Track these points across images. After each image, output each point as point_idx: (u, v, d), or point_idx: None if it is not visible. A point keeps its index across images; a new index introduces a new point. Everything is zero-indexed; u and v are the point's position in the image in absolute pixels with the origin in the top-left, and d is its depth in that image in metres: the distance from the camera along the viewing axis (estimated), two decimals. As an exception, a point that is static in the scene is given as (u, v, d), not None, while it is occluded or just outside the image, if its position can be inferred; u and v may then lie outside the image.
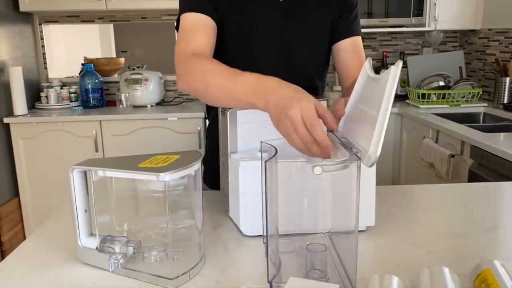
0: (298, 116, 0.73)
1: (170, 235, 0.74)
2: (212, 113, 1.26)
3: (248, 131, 0.93)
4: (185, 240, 0.78)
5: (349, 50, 1.19)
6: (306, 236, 0.78)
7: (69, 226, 0.92)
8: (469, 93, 2.79)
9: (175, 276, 0.71)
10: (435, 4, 2.88)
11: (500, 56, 2.83)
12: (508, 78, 2.65)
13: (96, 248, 0.77)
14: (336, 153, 0.76)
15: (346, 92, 1.19)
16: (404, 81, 3.14)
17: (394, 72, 0.69)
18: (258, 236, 0.88)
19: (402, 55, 3.28)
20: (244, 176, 0.86)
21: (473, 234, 0.90)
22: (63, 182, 2.75)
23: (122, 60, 3.36)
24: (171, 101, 3.21)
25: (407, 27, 3.03)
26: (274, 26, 1.14)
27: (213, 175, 1.17)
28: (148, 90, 2.96)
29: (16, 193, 2.79)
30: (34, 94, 3.04)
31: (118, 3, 2.84)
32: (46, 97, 2.96)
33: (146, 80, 2.95)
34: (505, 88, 2.66)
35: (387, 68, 0.71)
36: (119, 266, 0.76)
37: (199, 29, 1.07)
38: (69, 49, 3.63)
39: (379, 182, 0.89)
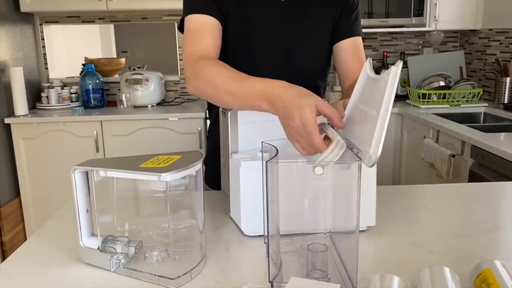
0: (299, 125, 0.75)
1: (171, 235, 0.74)
2: (213, 113, 1.26)
3: (249, 131, 0.93)
4: (186, 240, 0.79)
5: (349, 50, 1.19)
6: (307, 236, 0.79)
7: (70, 226, 0.93)
8: (470, 93, 2.79)
9: (177, 276, 0.72)
10: (436, 4, 2.88)
11: (501, 56, 2.83)
12: (508, 78, 2.65)
13: (98, 248, 0.78)
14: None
15: (346, 93, 1.19)
16: (404, 81, 3.14)
17: (394, 72, 0.69)
18: (259, 236, 0.88)
19: (402, 55, 3.28)
20: (245, 176, 0.86)
21: (474, 234, 0.90)
22: (64, 182, 2.75)
23: (123, 60, 3.37)
24: (172, 101, 3.21)
25: (408, 27, 3.03)
26: (276, 26, 1.14)
27: (214, 175, 1.17)
28: (148, 91, 2.96)
29: (17, 193, 2.80)
30: (35, 95, 3.05)
31: (118, 4, 2.84)
32: (47, 97, 2.96)
33: (147, 80, 2.95)
34: (505, 88, 2.66)
35: (387, 68, 0.71)
36: (121, 266, 0.76)
37: (205, 30, 1.07)
38: (69, 50, 3.63)
39: (380, 182, 0.89)
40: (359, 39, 1.21)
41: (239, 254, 0.83)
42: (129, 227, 0.82)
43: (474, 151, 1.98)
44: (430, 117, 2.50)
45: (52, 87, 2.99)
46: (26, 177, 2.77)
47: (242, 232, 0.90)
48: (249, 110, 0.90)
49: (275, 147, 0.71)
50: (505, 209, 1.05)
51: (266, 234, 0.82)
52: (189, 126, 2.77)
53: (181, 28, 1.14)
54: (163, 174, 0.68)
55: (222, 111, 0.97)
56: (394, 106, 2.96)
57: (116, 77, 3.31)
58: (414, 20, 2.92)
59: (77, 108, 2.92)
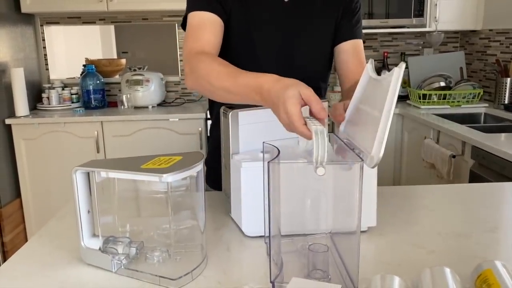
0: (284, 118, 0.77)
1: (172, 236, 0.74)
2: (215, 114, 1.27)
3: (249, 132, 0.93)
4: (187, 240, 0.79)
5: (350, 52, 1.20)
6: (308, 237, 0.79)
7: (72, 227, 0.93)
8: (470, 93, 2.79)
9: (178, 276, 0.72)
10: (436, 4, 2.88)
11: (501, 56, 2.83)
12: (509, 79, 2.65)
13: (99, 249, 0.78)
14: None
15: (346, 94, 1.19)
16: (405, 82, 3.14)
17: (397, 74, 0.69)
18: (260, 236, 0.88)
19: (402, 56, 3.29)
20: (246, 177, 0.86)
21: (474, 235, 0.90)
22: (64, 182, 2.76)
23: (123, 61, 3.37)
24: (172, 102, 3.21)
25: (408, 27, 3.03)
26: (279, 26, 1.14)
27: (215, 176, 1.18)
28: (149, 91, 2.96)
29: (18, 194, 2.80)
30: (36, 95, 3.05)
31: (119, 5, 2.85)
32: (48, 98, 2.96)
33: (147, 81, 2.96)
34: (506, 88, 2.66)
35: (388, 68, 0.72)
36: (122, 267, 0.76)
37: (207, 27, 1.08)
38: (70, 50, 3.64)
39: (380, 182, 0.89)
40: (359, 41, 1.21)
41: (240, 254, 0.83)
42: (130, 228, 0.82)
43: (474, 152, 1.98)
44: (430, 117, 2.50)
45: (53, 88, 2.99)
46: (27, 177, 2.78)
47: (243, 232, 0.90)
48: (242, 109, 0.92)
49: (276, 147, 0.71)
50: (506, 209, 1.05)
51: (267, 234, 0.82)
52: (189, 126, 2.77)
53: (183, 26, 1.15)
54: (164, 175, 0.68)
55: (223, 112, 0.97)
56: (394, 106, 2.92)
57: (116, 77, 3.31)
58: (414, 20, 2.92)
59: (78, 109, 2.92)
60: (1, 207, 2.62)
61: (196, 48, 1.05)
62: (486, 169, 1.90)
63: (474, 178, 1.98)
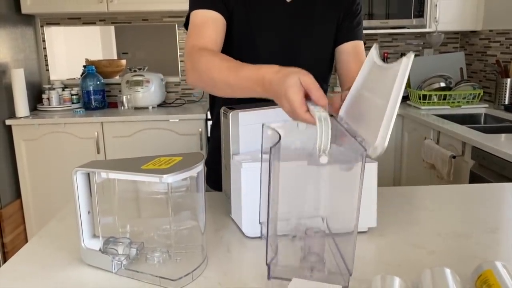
0: (287, 106, 0.77)
1: (172, 237, 0.74)
2: (215, 114, 1.27)
3: (250, 133, 0.93)
4: (187, 241, 0.79)
5: (351, 53, 1.20)
6: (305, 220, 0.78)
7: (72, 228, 0.93)
8: (470, 94, 2.79)
9: (178, 277, 0.72)
10: (436, 5, 2.88)
11: (501, 57, 2.83)
12: (509, 79, 2.65)
13: (99, 250, 0.78)
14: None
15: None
16: (405, 82, 3.14)
17: (406, 63, 0.67)
18: (260, 237, 0.88)
19: (402, 57, 3.28)
20: (246, 177, 0.86)
21: (474, 235, 0.90)
22: (65, 183, 2.76)
23: (124, 62, 3.37)
24: (173, 102, 3.21)
25: (408, 28, 3.03)
26: (281, 27, 1.15)
27: (216, 176, 1.18)
28: (149, 92, 2.97)
29: (18, 195, 2.80)
30: (36, 96, 3.05)
31: (119, 5, 2.85)
32: (48, 99, 2.96)
33: (148, 81, 2.96)
34: (506, 89, 2.66)
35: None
36: (122, 268, 0.76)
37: (209, 24, 1.09)
38: (70, 51, 3.64)
39: (380, 183, 0.89)
40: (360, 42, 1.22)
41: (240, 255, 0.83)
42: (130, 229, 0.82)
43: (474, 152, 1.98)
44: (430, 118, 2.50)
45: (53, 89, 2.99)
46: (27, 178, 2.78)
47: (243, 233, 0.90)
48: (243, 109, 0.92)
49: (278, 132, 0.70)
50: (506, 210, 1.05)
51: (265, 217, 0.79)
52: (190, 127, 2.77)
53: (186, 25, 1.15)
54: (165, 176, 0.68)
55: (223, 113, 0.97)
56: (394, 107, 2.89)
57: (117, 78, 3.31)
58: (414, 21, 2.92)
59: (78, 110, 2.92)
60: (1, 208, 2.63)
61: (198, 45, 1.06)
62: (486, 169, 1.90)
63: (474, 178, 1.98)
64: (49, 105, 2.96)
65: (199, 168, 0.74)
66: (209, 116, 2.72)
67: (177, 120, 2.76)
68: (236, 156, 0.92)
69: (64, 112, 2.92)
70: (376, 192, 0.88)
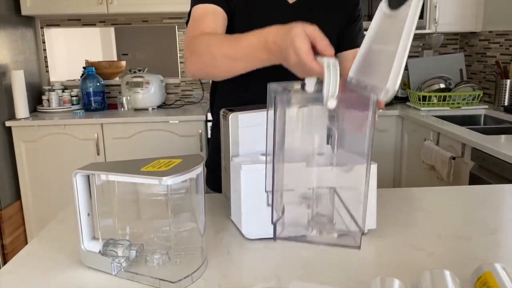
0: (295, 59, 0.75)
1: (172, 239, 0.74)
2: (216, 115, 1.27)
3: (249, 135, 0.94)
4: (187, 243, 0.79)
5: (351, 60, 1.20)
6: (313, 180, 0.75)
7: (72, 230, 0.93)
8: (470, 95, 2.79)
9: (178, 279, 0.72)
10: (436, 6, 2.89)
11: (501, 58, 2.83)
12: (508, 80, 2.65)
13: (99, 252, 0.78)
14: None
15: None
16: (404, 83, 3.15)
17: (416, 3, 0.65)
18: (260, 239, 0.88)
19: None
20: (246, 179, 0.86)
21: (474, 237, 0.90)
22: (64, 185, 2.76)
23: (123, 63, 3.37)
24: (172, 104, 3.22)
25: (408, 29, 3.03)
26: None
27: (216, 178, 1.18)
28: (149, 93, 2.97)
29: (18, 196, 2.80)
30: (36, 98, 3.05)
31: (119, 7, 2.85)
32: (48, 100, 2.96)
33: (147, 83, 2.96)
34: (505, 90, 2.66)
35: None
36: (122, 270, 0.76)
37: (209, 16, 1.08)
38: (70, 53, 3.64)
39: (380, 184, 0.89)
40: None
41: (240, 257, 0.83)
42: (130, 231, 0.82)
43: (474, 154, 1.98)
44: (430, 119, 2.50)
45: (53, 90, 3.00)
46: (27, 180, 2.78)
47: (243, 235, 0.90)
48: (242, 111, 0.91)
49: (282, 87, 0.68)
50: (506, 211, 1.05)
51: (269, 175, 0.76)
52: (189, 128, 2.77)
53: (188, 23, 1.15)
54: (164, 178, 0.68)
55: (223, 114, 0.98)
56: (394, 108, 2.94)
57: (116, 80, 3.32)
58: (414, 22, 2.92)
59: (78, 111, 2.92)
60: (1, 209, 2.62)
61: (196, 34, 1.04)
62: (486, 171, 1.90)
63: (474, 180, 1.98)
64: (49, 106, 2.96)
65: (199, 170, 0.74)
66: (209, 118, 2.74)
67: (177, 121, 2.76)
68: (235, 158, 0.92)
69: (64, 113, 2.92)
70: (376, 193, 0.88)
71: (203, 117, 2.76)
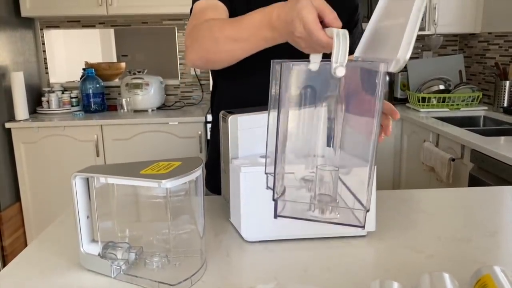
0: (302, 31, 0.72)
1: (171, 241, 0.74)
2: (216, 115, 1.27)
3: (249, 137, 0.94)
4: (186, 246, 0.79)
5: None
6: (316, 160, 0.73)
7: (71, 232, 0.93)
8: (469, 96, 2.80)
9: (177, 282, 0.72)
10: (435, 8, 2.89)
11: (500, 59, 2.83)
12: (508, 82, 2.65)
13: (98, 254, 0.78)
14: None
15: None
16: (404, 85, 3.15)
17: None
18: (260, 242, 0.88)
19: (402, 59, 3.29)
20: (245, 181, 0.86)
21: (474, 239, 0.90)
22: (64, 186, 2.76)
23: (123, 64, 3.38)
24: (172, 105, 3.22)
25: (407, 31, 3.03)
26: None
27: (215, 180, 1.18)
28: (149, 95, 2.97)
29: (18, 198, 2.80)
30: (36, 99, 3.05)
31: (119, 8, 2.85)
32: (48, 102, 2.97)
33: (147, 84, 2.96)
34: (505, 91, 2.66)
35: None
36: (121, 272, 0.76)
37: (210, 10, 1.07)
38: (70, 54, 3.64)
39: (380, 186, 0.89)
40: None
41: (240, 260, 0.83)
42: (129, 233, 0.82)
43: (474, 155, 1.98)
44: (430, 120, 2.50)
45: (53, 92, 3.00)
46: (27, 181, 2.78)
47: (242, 238, 0.90)
48: (241, 113, 0.90)
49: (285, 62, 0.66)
50: (505, 213, 1.05)
51: (271, 151, 0.73)
52: (189, 130, 2.77)
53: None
54: (163, 181, 0.69)
55: (222, 117, 0.98)
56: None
57: (116, 81, 3.32)
58: (413, 24, 2.92)
59: (78, 113, 2.92)
60: (0, 211, 2.62)
61: (197, 23, 1.02)
62: (486, 172, 1.90)
63: (474, 181, 1.98)
64: (49, 108, 2.96)
65: (198, 173, 0.74)
66: (208, 119, 2.74)
67: (177, 122, 2.76)
68: (235, 160, 0.92)
69: (64, 115, 2.92)
70: (375, 195, 0.88)
71: (203, 119, 2.76)
